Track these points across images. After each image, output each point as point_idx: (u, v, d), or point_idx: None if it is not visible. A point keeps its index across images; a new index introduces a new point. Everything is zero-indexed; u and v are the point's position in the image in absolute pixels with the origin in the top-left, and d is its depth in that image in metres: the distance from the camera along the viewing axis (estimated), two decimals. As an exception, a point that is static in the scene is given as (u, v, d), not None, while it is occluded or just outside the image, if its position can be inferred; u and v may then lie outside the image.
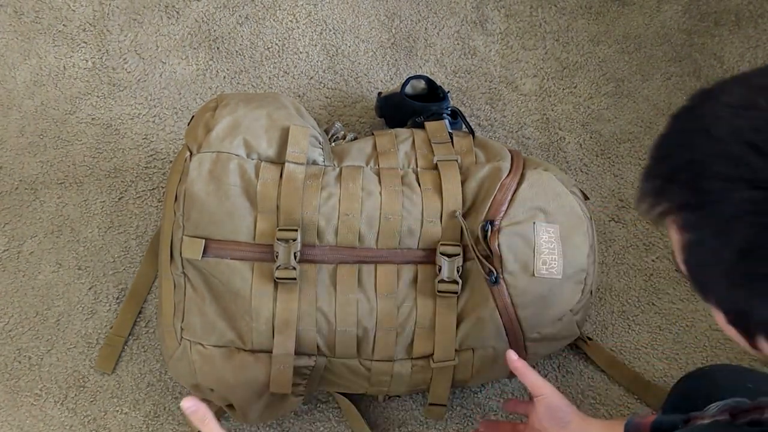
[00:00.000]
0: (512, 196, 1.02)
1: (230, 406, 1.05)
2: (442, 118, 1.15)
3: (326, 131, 1.20)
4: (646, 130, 1.34)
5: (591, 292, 1.04)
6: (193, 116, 1.07)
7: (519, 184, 1.03)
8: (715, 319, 0.59)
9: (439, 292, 1.00)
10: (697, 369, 1.02)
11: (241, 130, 1.02)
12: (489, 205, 1.01)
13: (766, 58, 1.39)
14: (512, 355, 1.00)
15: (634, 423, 0.91)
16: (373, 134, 1.11)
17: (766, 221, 0.49)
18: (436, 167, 1.05)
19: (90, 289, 1.22)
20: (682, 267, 0.56)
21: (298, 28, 1.39)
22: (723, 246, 0.51)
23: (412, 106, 1.21)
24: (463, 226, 1.00)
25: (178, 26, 1.38)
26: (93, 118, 1.32)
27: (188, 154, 1.02)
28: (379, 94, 1.29)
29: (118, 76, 1.34)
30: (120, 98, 1.33)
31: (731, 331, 0.58)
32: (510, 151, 1.08)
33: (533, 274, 0.99)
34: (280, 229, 0.98)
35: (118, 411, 1.16)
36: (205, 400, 1.11)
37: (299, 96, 1.35)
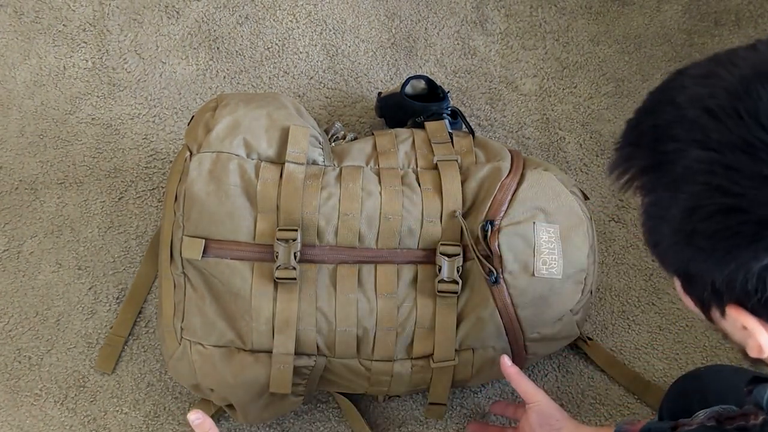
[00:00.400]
0: (512, 196, 1.02)
1: (230, 406, 1.05)
2: (442, 118, 1.15)
3: (326, 131, 1.20)
4: (646, 130, 1.34)
5: (591, 292, 1.04)
6: (193, 116, 1.07)
7: (519, 184, 1.03)
8: (676, 291, 0.61)
9: (439, 292, 0.99)
10: (694, 369, 1.02)
11: (241, 130, 1.02)
12: (489, 205, 1.01)
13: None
14: (506, 361, 1.00)
15: (623, 429, 0.91)
16: (373, 134, 1.11)
17: (711, 181, 0.50)
18: (436, 167, 1.05)
19: (90, 289, 1.22)
20: (643, 232, 0.58)
21: (298, 28, 1.39)
22: (672, 203, 0.53)
23: (412, 106, 1.20)
24: (463, 226, 1.00)
25: (178, 26, 1.38)
26: (93, 118, 1.32)
27: (188, 154, 1.02)
28: (379, 94, 1.29)
29: (118, 76, 1.34)
30: (120, 98, 1.33)
31: (689, 303, 0.59)
32: (510, 151, 1.08)
33: (533, 274, 0.99)
34: (280, 229, 0.98)
35: (118, 411, 1.15)
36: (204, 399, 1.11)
37: (299, 96, 1.35)
